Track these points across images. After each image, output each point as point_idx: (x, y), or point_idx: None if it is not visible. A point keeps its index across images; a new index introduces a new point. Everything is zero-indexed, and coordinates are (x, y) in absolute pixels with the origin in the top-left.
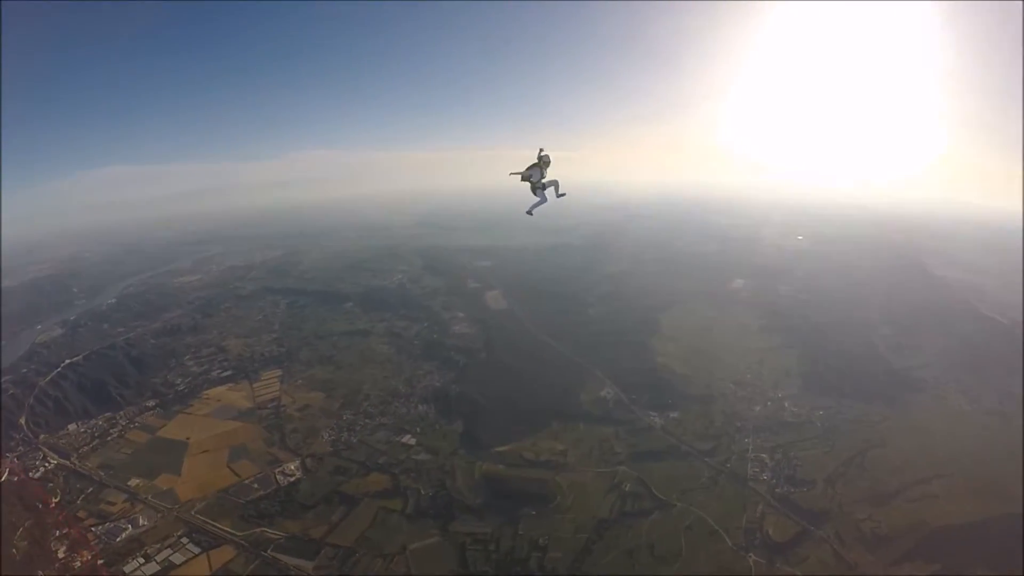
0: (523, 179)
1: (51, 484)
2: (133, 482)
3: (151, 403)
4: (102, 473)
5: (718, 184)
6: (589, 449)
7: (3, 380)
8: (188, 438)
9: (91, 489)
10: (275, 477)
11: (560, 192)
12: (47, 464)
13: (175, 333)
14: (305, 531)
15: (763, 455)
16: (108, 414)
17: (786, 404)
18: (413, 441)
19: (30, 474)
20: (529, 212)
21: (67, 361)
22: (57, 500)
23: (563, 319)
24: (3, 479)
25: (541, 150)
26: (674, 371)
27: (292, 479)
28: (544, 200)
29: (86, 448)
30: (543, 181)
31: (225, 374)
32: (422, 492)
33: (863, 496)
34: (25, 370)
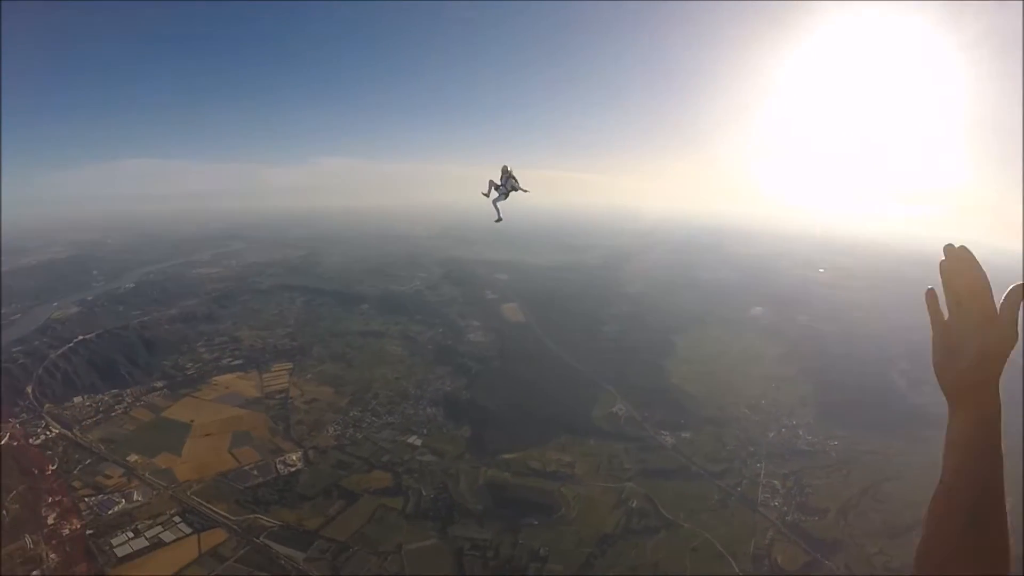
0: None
1: (50, 452)
2: (132, 458)
3: (159, 384)
4: (102, 446)
5: (739, 214)
6: (597, 463)
7: (14, 350)
8: (192, 420)
9: (89, 461)
10: (276, 466)
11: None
12: (48, 432)
13: (189, 320)
14: (300, 522)
15: (775, 481)
16: (115, 391)
17: (800, 432)
18: (419, 442)
19: (30, 440)
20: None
21: (79, 337)
22: (54, 468)
23: (579, 335)
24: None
25: (506, 167)
26: (688, 392)
27: (293, 469)
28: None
29: (89, 421)
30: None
31: (236, 363)
32: (423, 493)
33: (876, 529)
34: (37, 342)
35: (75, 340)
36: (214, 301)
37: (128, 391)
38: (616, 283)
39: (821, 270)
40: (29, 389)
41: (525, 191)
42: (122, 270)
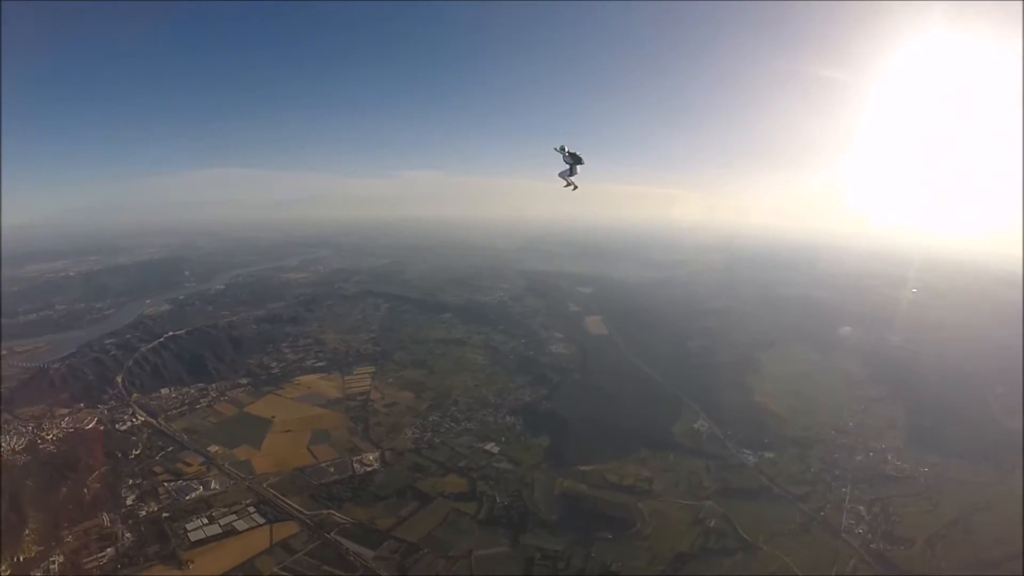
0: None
1: (134, 438)
2: (212, 448)
3: (243, 381)
4: (185, 436)
5: (827, 231)
6: (676, 480)
7: (107, 342)
8: (273, 416)
9: (171, 448)
10: (352, 464)
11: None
12: (135, 419)
13: (276, 322)
14: (372, 520)
15: (860, 507)
16: (200, 385)
17: (889, 457)
18: (496, 449)
19: (116, 426)
20: (568, 182)
21: (170, 333)
22: (137, 453)
23: (662, 349)
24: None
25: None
26: (772, 411)
27: (369, 469)
28: (572, 174)
29: (174, 412)
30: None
31: (319, 364)
32: (497, 500)
33: (964, 562)
34: (129, 336)
35: (165, 335)
36: (300, 304)
37: (213, 386)
38: (701, 300)
39: (914, 290)
40: (119, 379)
41: (580, 162)
42: (212, 272)
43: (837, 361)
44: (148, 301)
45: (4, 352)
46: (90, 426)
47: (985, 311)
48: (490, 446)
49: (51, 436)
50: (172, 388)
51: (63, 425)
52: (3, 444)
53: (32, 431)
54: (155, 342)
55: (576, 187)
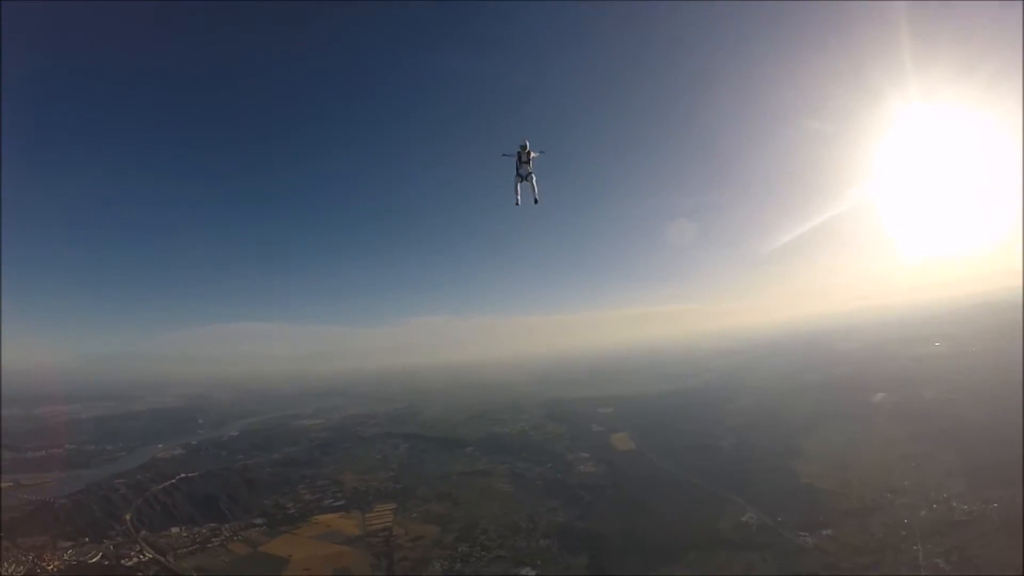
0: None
1: (140, 574)
2: None
3: (258, 521)
4: (195, 574)
5: (838, 312)
6: None
7: (116, 481)
8: (290, 556)
9: None
10: None
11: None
12: (142, 556)
13: (292, 465)
14: None
15: (937, 560)
16: (213, 524)
17: (953, 503)
18: (533, 573)
19: (122, 561)
20: (516, 203)
21: (182, 475)
22: None
23: (694, 453)
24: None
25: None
26: (822, 489)
27: None
28: (525, 185)
29: (184, 550)
30: (528, 168)
31: (337, 503)
32: None
33: None
34: (140, 476)
35: (177, 477)
36: (316, 448)
37: (227, 525)
38: (725, 400)
39: (936, 344)
40: (127, 516)
41: (541, 152)
42: (226, 420)
43: (878, 428)
44: (160, 445)
45: (9, 484)
46: (93, 560)
47: (1009, 348)
48: (526, 571)
49: (52, 567)
50: (183, 527)
51: (65, 558)
52: (2, 571)
53: (32, 560)
54: (166, 483)
55: (537, 200)
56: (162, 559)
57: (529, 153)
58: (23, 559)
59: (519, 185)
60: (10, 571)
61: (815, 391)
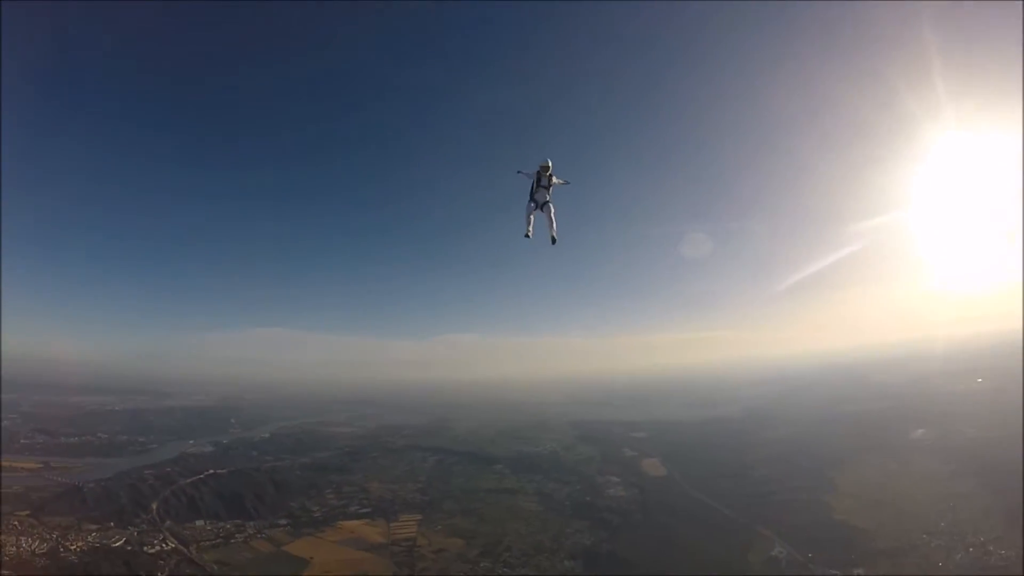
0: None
1: (162, 562)
2: None
3: (283, 521)
4: (215, 567)
5: (877, 344)
6: None
7: (145, 472)
8: (311, 558)
9: None
10: None
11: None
12: (165, 545)
13: (320, 469)
14: None
15: None
16: (238, 521)
17: (990, 547)
18: None
19: (144, 548)
20: (527, 235)
21: (211, 471)
22: None
23: (726, 483)
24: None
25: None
26: (855, 526)
27: None
28: (540, 215)
29: (207, 543)
30: (547, 196)
31: (363, 510)
32: None
33: None
34: (169, 469)
35: (206, 472)
36: (346, 455)
37: (251, 523)
38: (759, 430)
39: (979, 380)
40: (154, 505)
41: (566, 182)
42: (258, 422)
43: (916, 465)
44: (191, 441)
45: (40, 464)
46: (117, 544)
47: None
48: None
49: (75, 547)
50: (208, 521)
51: (89, 539)
52: (24, 545)
53: (56, 539)
54: (194, 477)
55: (555, 239)
56: (184, 550)
57: (551, 177)
58: (47, 537)
59: (532, 215)
60: (33, 546)
61: (851, 424)
